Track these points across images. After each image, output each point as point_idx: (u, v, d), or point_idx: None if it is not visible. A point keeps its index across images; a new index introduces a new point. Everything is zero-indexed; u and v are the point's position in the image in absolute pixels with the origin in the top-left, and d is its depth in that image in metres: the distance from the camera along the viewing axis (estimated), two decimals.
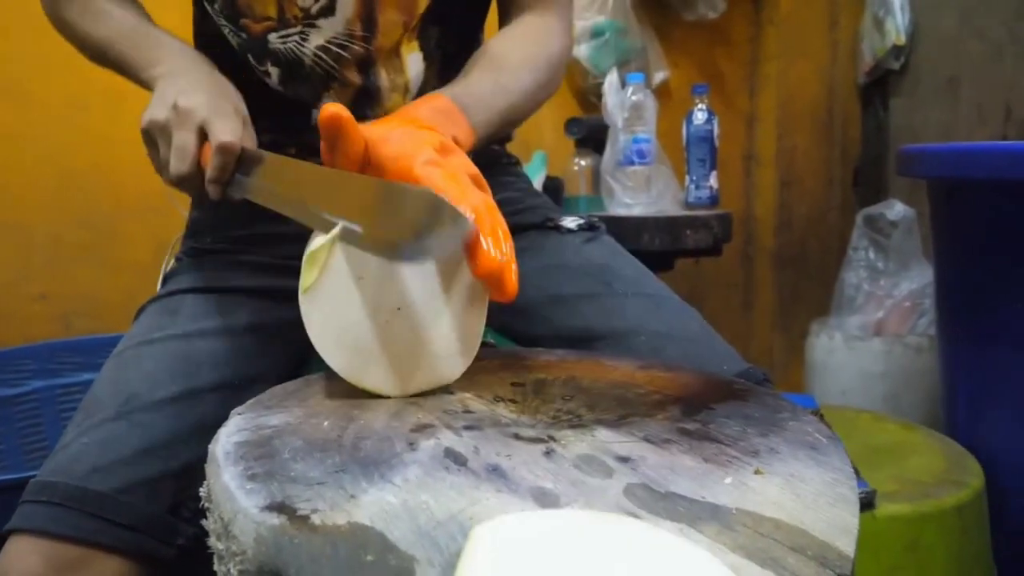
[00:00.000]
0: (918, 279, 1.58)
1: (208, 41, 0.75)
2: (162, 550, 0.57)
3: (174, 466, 0.59)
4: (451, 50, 0.75)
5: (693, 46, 1.91)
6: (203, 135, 0.59)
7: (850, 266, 1.66)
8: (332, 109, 0.48)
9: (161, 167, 0.62)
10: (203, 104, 0.59)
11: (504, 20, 0.77)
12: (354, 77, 0.71)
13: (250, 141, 0.60)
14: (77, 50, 0.75)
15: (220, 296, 0.69)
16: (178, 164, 0.59)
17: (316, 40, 0.69)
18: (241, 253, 0.73)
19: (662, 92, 1.81)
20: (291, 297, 0.71)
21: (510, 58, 0.69)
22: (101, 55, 0.72)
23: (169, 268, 0.76)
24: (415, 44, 0.73)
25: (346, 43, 0.70)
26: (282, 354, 0.70)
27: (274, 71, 0.71)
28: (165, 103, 0.60)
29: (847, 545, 0.35)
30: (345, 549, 0.31)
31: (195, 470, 0.59)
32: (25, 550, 0.54)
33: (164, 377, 0.62)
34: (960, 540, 0.84)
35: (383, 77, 0.72)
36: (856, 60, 1.93)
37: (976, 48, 1.62)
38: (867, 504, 0.81)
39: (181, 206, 0.86)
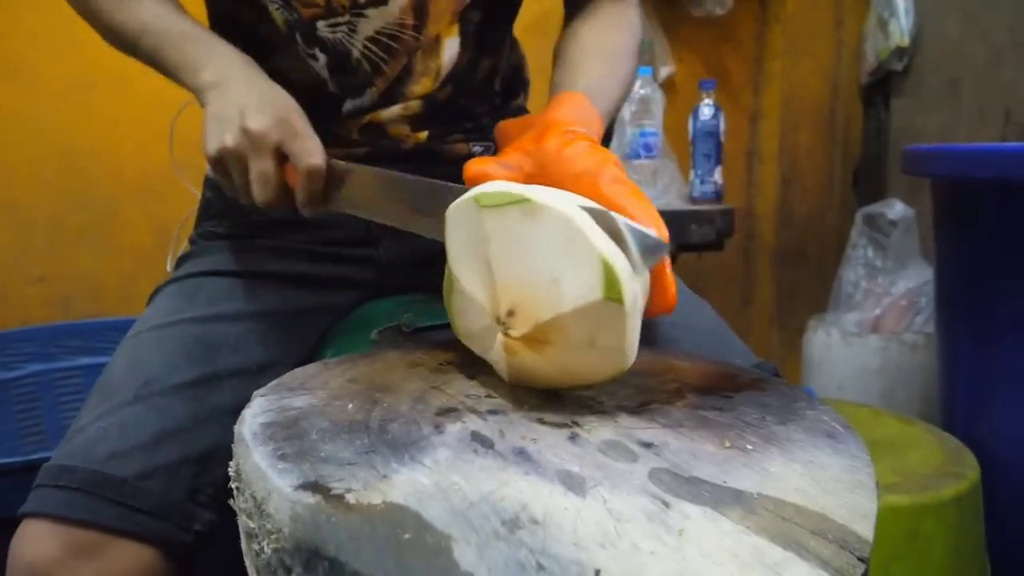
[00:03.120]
0: (916, 278, 1.59)
1: (228, 23, 0.73)
2: (180, 535, 0.57)
3: (193, 451, 0.59)
4: (487, 35, 0.74)
5: (699, 42, 1.92)
6: (280, 156, 0.58)
7: (849, 264, 1.67)
8: (476, 169, 0.51)
9: (239, 192, 0.60)
10: (275, 125, 0.57)
11: (575, 5, 0.76)
12: (399, 67, 0.71)
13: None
14: (105, 40, 0.71)
15: (238, 280, 0.69)
16: (263, 192, 0.58)
17: (365, 31, 0.68)
18: (260, 238, 0.73)
19: (668, 87, 1.82)
20: (309, 283, 0.72)
21: (611, 46, 0.70)
22: (132, 47, 0.68)
23: (183, 250, 0.75)
24: (455, 29, 0.72)
25: (396, 34, 0.68)
26: (299, 340, 0.70)
27: (322, 57, 0.70)
28: (231, 125, 0.58)
29: (866, 529, 0.35)
30: (383, 528, 0.31)
31: (213, 455, 0.59)
32: (41, 534, 0.54)
33: (182, 361, 0.62)
34: (957, 531, 0.85)
35: (418, 62, 0.71)
36: (860, 60, 1.94)
37: (978, 51, 1.62)
38: None
39: (192, 184, 0.86)
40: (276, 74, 0.65)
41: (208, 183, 0.79)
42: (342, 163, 0.58)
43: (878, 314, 1.63)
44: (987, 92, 1.60)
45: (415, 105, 0.72)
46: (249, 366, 0.64)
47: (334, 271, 0.73)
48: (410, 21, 0.68)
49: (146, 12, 0.65)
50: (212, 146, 0.58)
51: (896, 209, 1.59)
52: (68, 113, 1.52)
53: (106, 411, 0.58)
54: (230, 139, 0.57)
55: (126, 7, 0.66)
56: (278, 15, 0.69)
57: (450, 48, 0.72)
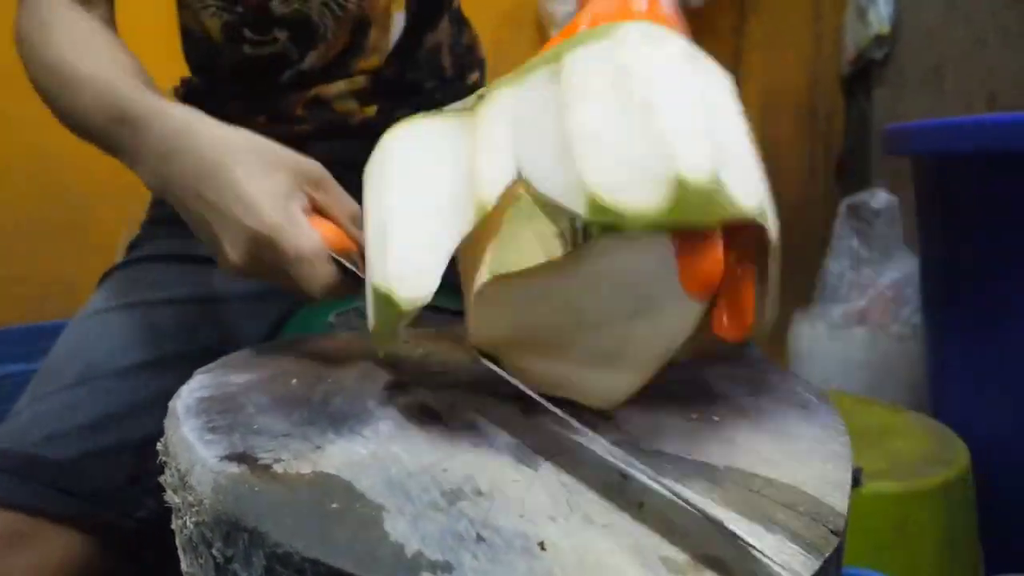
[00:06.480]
0: (901, 268, 1.58)
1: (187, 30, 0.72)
2: (120, 522, 0.54)
3: (135, 436, 0.56)
4: (427, 8, 0.74)
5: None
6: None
7: (833, 255, 1.65)
8: None
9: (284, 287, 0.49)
10: (252, 261, 0.46)
11: None
12: (344, 36, 0.69)
13: (347, 206, 0.49)
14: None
15: (188, 264, 0.67)
16: (316, 291, 0.46)
17: None
18: None
19: None
20: None
21: None
22: (82, 135, 0.59)
23: (134, 236, 0.73)
24: (402, 2, 0.71)
25: (343, 2, 0.68)
26: (253, 324, 0.67)
27: (283, 34, 0.68)
28: (216, 252, 0.47)
29: (839, 501, 0.33)
30: (308, 497, 0.29)
31: (158, 441, 0.57)
32: None
33: (126, 345, 0.60)
34: (947, 519, 0.83)
35: (371, 38, 0.70)
36: (840, 50, 1.93)
37: (960, 36, 1.61)
38: (854, 481, 0.80)
39: None
40: (212, 70, 0.63)
41: None
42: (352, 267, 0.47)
43: (864, 306, 1.61)
44: (971, 77, 1.59)
45: (360, 80, 0.71)
46: (197, 351, 0.61)
47: None
48: None
49: (85, 97, 0.55)
50: (224, 265, 0.48)
51: (880, 198, 1.57)
52: (39, 112, 1.49)
53: (44, 394, 0.56)
54: (230, 268, 0.47)
55: (67, 95, 0.57)
56: (213, 22, 0.68)
57: (398, 23, 0.71)
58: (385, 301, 0.35)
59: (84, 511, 0.53)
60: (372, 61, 0.71)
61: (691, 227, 0.32)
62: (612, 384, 0.38)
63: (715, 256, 0.33)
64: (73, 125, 0.58)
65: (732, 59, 1.98)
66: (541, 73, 0.36)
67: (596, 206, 0.31)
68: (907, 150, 1.14)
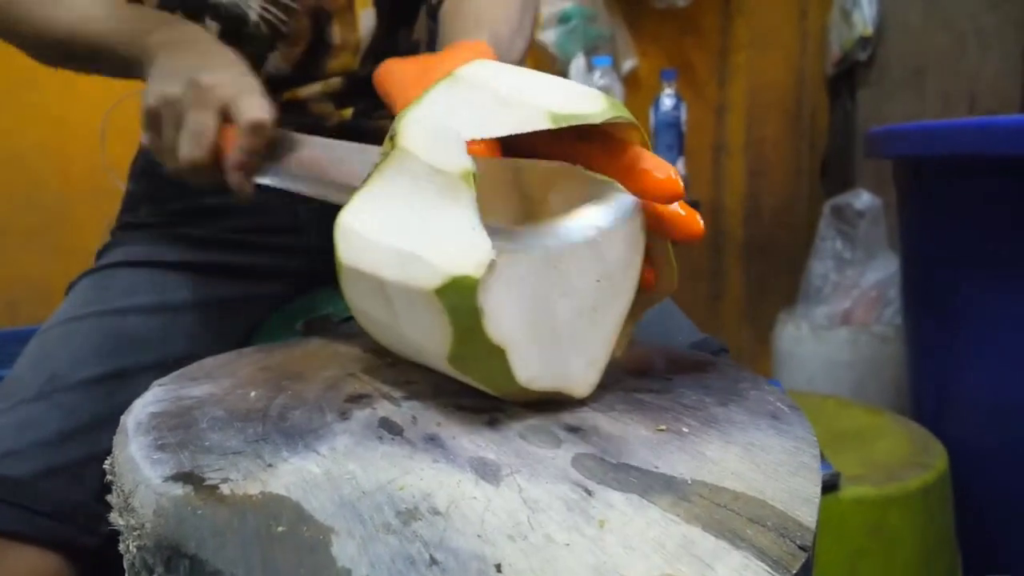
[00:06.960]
0: (884, 269, 1.58)
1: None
2: (85, 539, 0.53)
3: (99, 450, 0.54)
4: (402, 5, 0.71)
5: (662, 35, 1.90)
6: (222, 117, 0.52)
7: (817, 256, 1.65)
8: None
9: (165, 151, 0.53)
10: (229, 80, 0.51)
11: None
12: (304, 32, 0.67)
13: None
14: (28, 52, 0.65)
15: (157, 270, 0.65)
16: (192, 148, 0.51)
17: None
18: (179, 226, 0.69)
19: (631, 81, 1.79)
20: (232, 273, 0.68)
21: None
22: (68, 43, 0.61)
23: (103, 243, 0.71)
24: None
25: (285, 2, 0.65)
26: (222, 333, 0.66)
27: (213, 26, 0.65)
28: (178, 77, 0.51)
29: (808, 515, 0.33)
30: (254, 520, 0.28)
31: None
32: None
33: (91, 355, 0.58)
34: (925, 522, 0.83)
35: (336, 34, 0.68)
36: (824, 51, 1.93)
37: (941, 38, 1.62)
38: (832, 486, 0.80)
39: (122, 181, 0.82)
40: None
41: (132, 175, 0.75)
42: (294, 133, 0.53)
43: (847, 307, 1.61)
44: (951, 79, 1.59)
45: (336, 82, 0.69)
46: (166, 361, 0.60)
47: (259, 260, 0.69)
48: None
49: (79, 7, 0.60)
50: (152, 96, 0.52)
51: (863, 199, 1.58)
52: (13, 112, 1.47)
53: (5, 409, 0.54)
54: (174, 88, 0.51)
55: (59, 6, 0.60)
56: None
57: (366, 20, 0.69)
58: (450, 291, 0.34)
59: (47, 528, 0.51)
60: (344, 60, 0.69)
61: (623, 120, 0.40)
62: (589, 356, 0.41)
63: (661, 160, 0.40)
64: (57, 37, 0.61)
65: (718, 59, 1.98)
66: (434, 91, 0.41)
67: (557, 117, 0.38)
68: (887, 153, 1.14)
